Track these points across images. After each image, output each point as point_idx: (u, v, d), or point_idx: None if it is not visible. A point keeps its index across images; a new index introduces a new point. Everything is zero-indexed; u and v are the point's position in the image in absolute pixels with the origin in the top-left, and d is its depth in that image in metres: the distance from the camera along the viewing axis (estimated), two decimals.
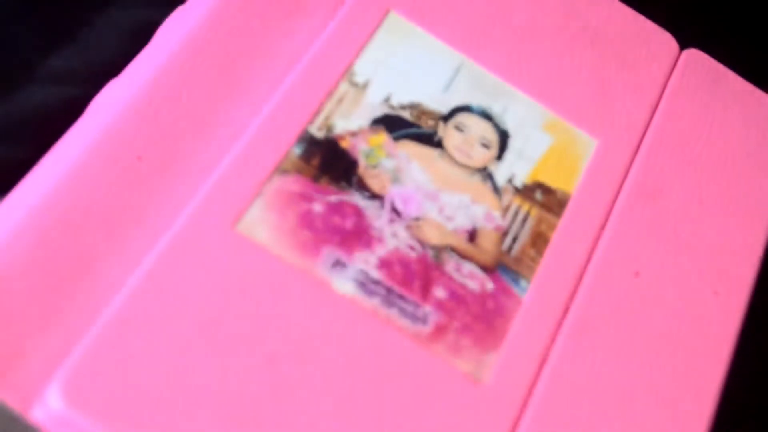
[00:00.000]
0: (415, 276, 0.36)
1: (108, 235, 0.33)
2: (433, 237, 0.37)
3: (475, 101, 0.41)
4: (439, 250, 0.37)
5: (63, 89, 0.40)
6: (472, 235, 0.38)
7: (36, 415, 0.30)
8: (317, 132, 0.37)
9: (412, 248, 0.37)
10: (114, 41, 0.41)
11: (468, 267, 0.37)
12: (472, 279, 0.37)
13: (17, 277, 0.31)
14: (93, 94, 0.37)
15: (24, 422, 0.30)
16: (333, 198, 0.37)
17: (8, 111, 0.38)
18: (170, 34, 0.38)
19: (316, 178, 0.37)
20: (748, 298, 0.40)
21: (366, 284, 0.35)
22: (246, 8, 0.39)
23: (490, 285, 0.37)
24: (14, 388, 0.30)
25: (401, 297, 0.35)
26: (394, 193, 0.37)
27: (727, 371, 0.38)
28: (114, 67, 0.39)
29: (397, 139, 0.39)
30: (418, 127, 0.39)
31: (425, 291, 0.36)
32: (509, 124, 0.41)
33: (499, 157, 0.40)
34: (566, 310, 0.37)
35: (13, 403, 0.30)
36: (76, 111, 0.37)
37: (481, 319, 0.36)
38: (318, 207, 0.36)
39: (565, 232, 0.39)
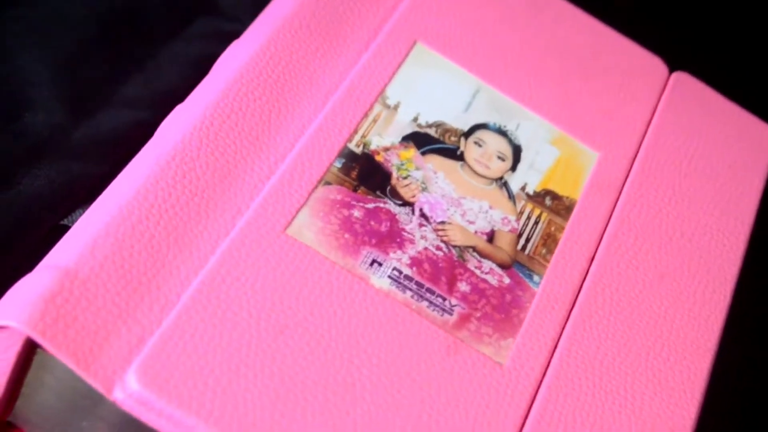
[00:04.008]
0: (441, 273, 0.36)
1: (177, 240, 0.34)
2: (457, 239, 0.37)
3: (491, 120, 0.41)
4: (462, 250, 0.37)
5: (134, 114, 0.40)
6: (491, 237, 0.38)
7: (116, 395, 0.31)
8: (355, 148, 0.38)
9: (439, 248, 0.37)
10: (178, 72, 0.42)
11: (488, 264, 0.37)
12: (492, 275, 0.37)
13: (100, 278, 0.32)
14: (161, 117, 0.38)
15: (106, 401, 0.31)
16: (370, 205, 0.37)
17: (88, 133, 0.39)
18: (227, 65, 0.39)
19: (355, 188, 0.37)
20: (731, 290, 0.40)
21: (399, 280, 0.35)
22: (293, 43, 0.39)
23: (507, 280, 0.37)
24: (98, 373, 0.31)
25: (430, 291, 0.36)
26: (422, 201, 0.38)
27: (715, 352, 0.38)
28: (178, 94, 0.39)
29: (424, 153, 0.39)
30: (443, 142, 0.40)
31: (451, 286, 0.36)
32: (522, 140, 0.41)
33: (513, 168, 0.40)
34: (574, 300, 0.38)
35: (97, 386, 0.30)
36: (146, 132, 0.38)
37: (500, 310, 0.36)
38: (357, 213, 0.36)
39: (572, 233, 0.39)
